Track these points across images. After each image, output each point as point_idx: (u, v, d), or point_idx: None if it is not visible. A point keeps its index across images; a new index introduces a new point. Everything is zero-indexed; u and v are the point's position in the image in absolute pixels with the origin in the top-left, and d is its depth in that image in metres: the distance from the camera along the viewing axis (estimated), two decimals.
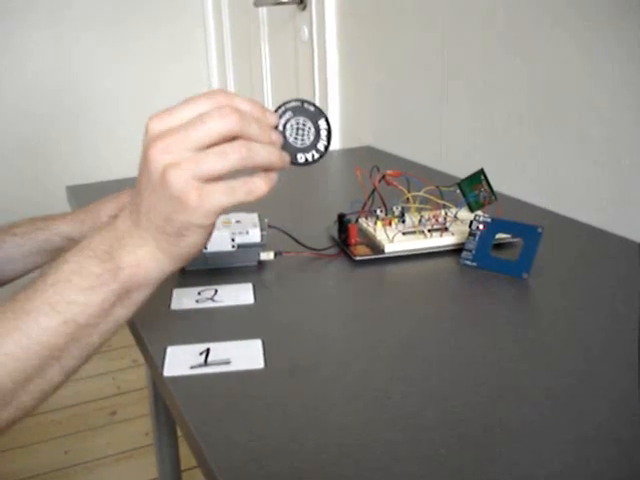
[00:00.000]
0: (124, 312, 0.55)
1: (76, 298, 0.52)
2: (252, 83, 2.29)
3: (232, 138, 0.51)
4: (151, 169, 0.50)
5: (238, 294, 0.79)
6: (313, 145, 0.56)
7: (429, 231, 0.89)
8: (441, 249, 0.88)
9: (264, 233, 0.84)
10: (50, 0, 2.28)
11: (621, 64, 0.93)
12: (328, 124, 0.56)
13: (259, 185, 0.52)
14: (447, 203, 0.93)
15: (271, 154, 0.52)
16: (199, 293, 0.79)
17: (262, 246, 0.85)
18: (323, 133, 0.56)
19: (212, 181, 0.50)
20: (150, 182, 0.50)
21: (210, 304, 0.77)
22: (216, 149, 0.50)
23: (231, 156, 0.50)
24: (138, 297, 0.55)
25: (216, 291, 0.79)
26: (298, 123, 0.55)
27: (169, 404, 0.63)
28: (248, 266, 0.85)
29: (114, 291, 0.53)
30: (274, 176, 0.53)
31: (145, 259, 0.54)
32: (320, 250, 0.88)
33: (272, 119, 0.54)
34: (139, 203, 0.52)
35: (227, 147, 0.50)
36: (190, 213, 0.50)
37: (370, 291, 0.80)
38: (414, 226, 0.90)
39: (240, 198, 0.51)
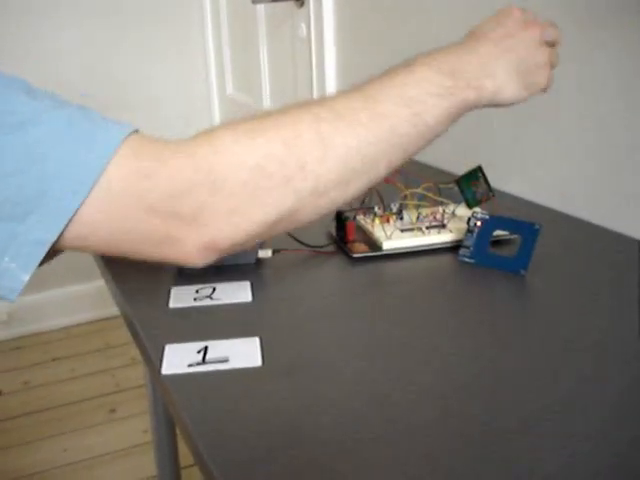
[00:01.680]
0: (448, 125, 0.65)
1: (427, 99, 0.62)
2: (250, 80, 2.28)
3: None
4: (531, 38, 0.69)
5: (236, 292, 0.79)
6: None
7: (427, 228, 0.89)
8: (439, 246, 0.88)
9: None
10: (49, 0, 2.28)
11: (621, 62, 0.93)
12: None
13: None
14: (445, 200, 0.93)
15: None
16: (197, 291, 0.79)
17: (260, 244, 0.85)
18: None
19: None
20: (530, 47, 0.68)
21: (208, 302, 0.77)
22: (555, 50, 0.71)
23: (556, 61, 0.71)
24: (461, 115, 0.66)
25: (214, 289, 0.79)
26: None
27: (167, 402, 0.63)
28: (246, 264, 0.85)
29: (457, 103, 0.64)
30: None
31: (488, 87, 0.66)
32: (318, 247, 0.88)
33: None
34: (509, 47, 0.67)
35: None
36: (542, 78, 0.69)
37: (368, 288, 0.80)
38: (412, 223, 0.90)
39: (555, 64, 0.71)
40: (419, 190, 0.92)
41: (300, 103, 0.60)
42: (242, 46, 2.30)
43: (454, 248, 0.86)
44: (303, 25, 1.82)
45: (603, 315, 0.71)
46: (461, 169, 0.95)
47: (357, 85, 0.62)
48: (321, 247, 0.88)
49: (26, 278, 0.54)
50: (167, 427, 1.39)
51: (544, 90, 0.71)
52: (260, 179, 0.55)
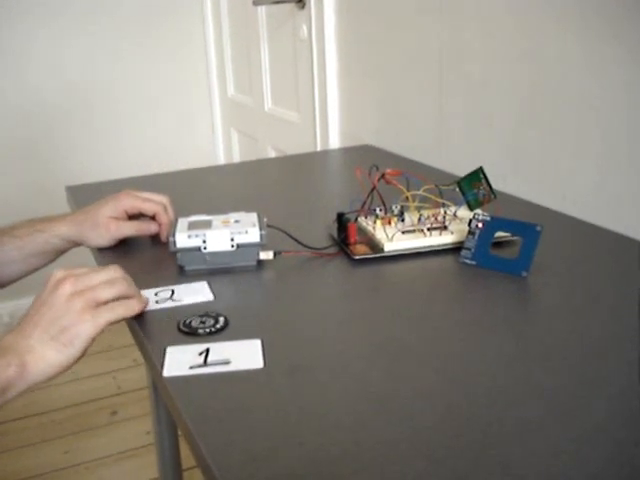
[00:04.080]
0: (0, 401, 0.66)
1: None
2: (251, 81, 2.29)
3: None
4: (59, 293, 0.69)
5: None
6: None
7: (428, 230, 0.89)
8: (440, 248, 0.88)
9: (263, 232, 0.84)
10: (49, 0, 2.28)
11: (621, 63, 0.93)
12: None
13: (133, 304, 0.72)
14: (446, 202, 0.93)
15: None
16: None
17: (261, 246, 0.85)
18: None
19: (101, 304, 0.70)
20: (55, 303, 0.68)
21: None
22: (106, 283, 0.71)
23: (115, 289, 0.71)
24: (11, 394, 0.67)
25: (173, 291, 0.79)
26: None
27: (169, 404, 0.63)
28: (247, 266, 0.85)
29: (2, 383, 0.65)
30: (146, 300, 0.75)
31: (30, 363, 0.67)
32: (319, 249, 0.88)
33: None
34: (38, 320, 0.68)
35: (115, 280, 0.72)
36: (81, 325, 0.68)
37: (369, 290, 0.80)
38: (413, 225, 0.90)
39: (120, 314, 0.70)
40: (421, 192, 0.92)
41: None
42: (243, 47, 2.30)
43: (455, 250, 0.86)
44: (304, 26, 1.82)
45: (604, 316, 0.71)
46: (462, 171, 0.95)
47: None
48: (323, 249, 0.88)
49: None
50: (169, 429, 1.39)
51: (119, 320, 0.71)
52: None
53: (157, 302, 0.77)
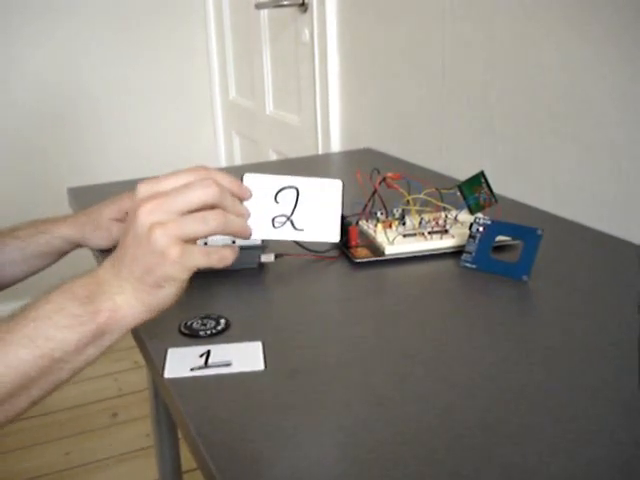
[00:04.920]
0: (95, 352, 0.60)
1: (55, 334, 0.57)
2: (253, 85, 2.29)
3: (210, 207, 0.58)
4: (139, 226, 0.57)
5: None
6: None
7: (429, 233, 0.90)
8: (441, 251, 0.88)
9: None
10: (55, 2, 2.29)
11: (621, 67, 0.93)
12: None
13: (228, 255, 0.60)
14: (447, 205, 0.93)
15: (241, 225, 0.61)
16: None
17: (263, 248, 0.85)
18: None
19: (190, 242, 0.58)
20: (136, 238, 0.57)
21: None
22: (197, 215, 0.57)
23: (210, 222, 0.57)
24: (110, 339, 0.60)
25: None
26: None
27: (170, 406, 0.63)
28: (249, 268, 0.85)
29: (91, 331, 0.58)
30: (237, 249, 0.61)
31: (122, 306, 0.59)
32: (320, 252, 0.88)
33: (245, 194, 0.61)
34: (123, 255, 0.58)
35: (208, 214, 0.57)
36: (169, 267, 0.57)
37: (370, 293, 0.80)
38: (414, 228, 0.91)
39: (212, 262, 0.59)
40: (422, 195, 0.92)
41: None
42: (245, 51, 2.30)
43: (456, 253, 0.86)
44: (306, 30, 1.82)
45: (605, 320, 0.71)
46: (463, 174, 0.96)
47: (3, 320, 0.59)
48: (324, 252, 0.89)
49: None
50: (169, 431, 1.39)
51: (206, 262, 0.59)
52: None
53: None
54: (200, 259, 0.58)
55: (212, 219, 0.57)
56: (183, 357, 0.66)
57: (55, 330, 0.57)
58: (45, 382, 0.58)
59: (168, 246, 0.56)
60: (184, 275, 0.58)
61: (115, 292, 0.59)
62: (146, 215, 0.56)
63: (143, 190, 0.58)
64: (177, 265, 0.57)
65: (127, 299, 0.59)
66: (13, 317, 0.58)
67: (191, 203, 0.57)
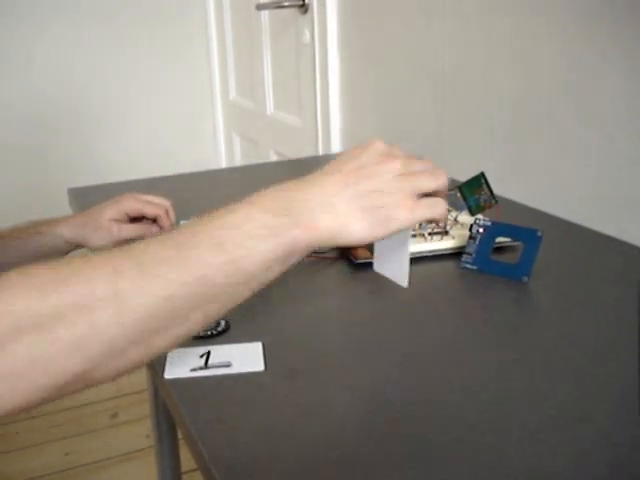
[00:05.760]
0: (279, 269, 0.57)
1: (244, 242, 0.54)
2: (253, 85, 2.29)
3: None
4: (388, 170, 0.59)
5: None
6: None
7: (429, 234, 0.90)
8: (441, 252, 0.88)
9: None
10: (55, 2, 2.29)
11: (621, 66, 0.93)
12: None
13: (445, 209, 0.62)
14: (447, 207, 0.93)
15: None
16: None
17: None
18: None
19: (422, 197, 0.60)
20: (379, 175, 0.59)
21: None
22: (430, 172, 0.61)
23: (440, 179, 0.61)
24: (298, 257, 0.57)
25: None
26: None
27: (170, 406, 0.63)
28: None
29: (283, 245, 0.55)
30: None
31: (325, 225, 0.56)
32: (320, 253, 0.88)
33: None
34: (349, 181, 0.58)
35: (438, 171, 0.62)
36: (402, 211, 0.59)
37: (370, 294, 0.80)
38: (414, 229, 0.91)
39: (435, 215, 0.61)
40: None
41: (104, 254, 0.53)
42: (246, 51, 2.30)
43: (456, 255, 0.86)
44: (307, 31, 1.82)
45: (605, 322, 0.71)
46: (464, 175, 0.96)
47: (179, 227, 0.56)
48: (324, 252, 0.89)
49: None
50: (169, 432, 1.39)
51: (431, 221, 0.63)
52: (44, 342, 0.48)
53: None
54: (426, 212, 0.60)
55: (441, 175, 0.62)
56: (183, 358, 0.66)
57: (245, 239, 0.54)
58: (225, 294, 0.54)
59: (409, 195, 0.59)
60: (409, 223, 0.60)
61: (322, 211, 0.57)
62: (395, 164, 0.60)
63: (381, 144, 0.62)
64: (409, 213, 0.59)
65: (337, 222, 0.57)
66: (192, 224, 0.55)
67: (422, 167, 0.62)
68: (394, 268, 0.68)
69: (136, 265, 0.52)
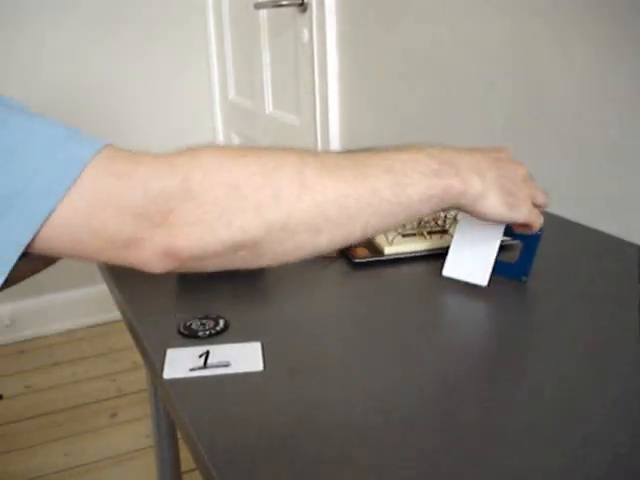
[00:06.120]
0: (431, 208, 0.65)
1: (410, 173, 0.62)
2: (252, 85, 2.29)
3: None
4: (519, 170, 0.72)
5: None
6: None
7: (429, 233, 0.90)
8: (440, 251, 0.88)
9: None
10: (55, 3, 2.29)
11: (621, 66, 0.93)
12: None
13: (541, 223, 0.75)
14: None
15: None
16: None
17: None
18: None
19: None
20: (513, 172, 0.71)
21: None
22: (542, 191, 0.75)
23: (546, 199, 0.75)
24: (446, 205, 0.66)
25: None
26: None
27: (169, 407, 0.63)
28: (247, 269, 0.85)
29: (441, 187, 0.64)
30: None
31: (476, 186, 0.66)
32: None
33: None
34: (491, 164, 0.69)
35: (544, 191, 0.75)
36: (524, 206, 0.70)
37: (369, 293, 0.80)
38: (413, 228, 0.91)
39: (538, 225, 0.74)
40: None
41: (290, 148, 0.61)
42: (244, 51, 2.30)
43: None
44: (305, 30, 1.82)
45: (604, 320, 0.71)
46: None
47: (347, 153, 0.63)
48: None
49: (0, 281, 0.54)
50: (168, 431, 1.39)
51: (527, 226, 0.73)
52: (233, 199, 0.56)
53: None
54: (537, 218, 0.73)
55: (547, 196, 0.75)
56: (182, 358, 0.66)
57: (411, 171, 0.62)
58: (387, 212, 0.62)
59: (530, 198, 0.71)
60: (525, 220, 0.71)
61: (477, 174, 0.66)
62: (524, 170, 0.72)
63: (508, 153, 0.74)
64: (528, 212, 0.71)
65: (483, 185, 0.66)
66: (362, 153, 0.63)
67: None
68: (473, 267, 0.77)
69: (319, 161, 0.60)
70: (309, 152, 0.61)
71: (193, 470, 1.65)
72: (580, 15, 0.98)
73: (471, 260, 0.77)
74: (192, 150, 0.58)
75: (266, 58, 2.16)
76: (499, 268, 0.81)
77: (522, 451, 0.51)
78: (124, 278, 0.85)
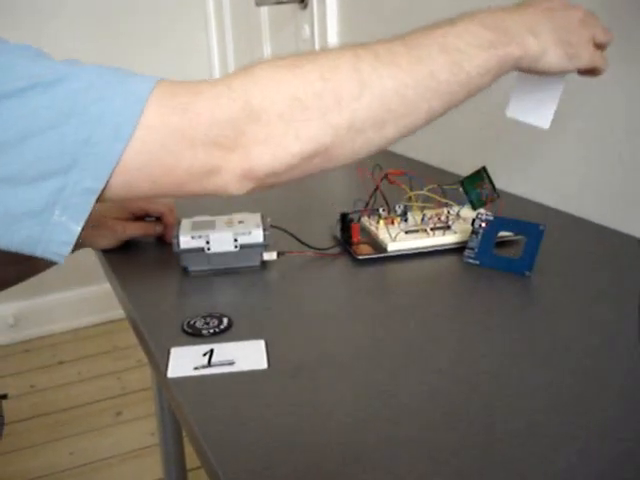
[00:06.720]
0: (490, 79, 0.65)
1: (466, 49, 0.62)
2: None
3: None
4: (575, 13, 0.68)
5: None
6: None
7: (432, 229, 0.89)
8: (444, 247, 0.88)
9: (267, 233, 0.85)
10: (53, 4, 2.29)
11: (622, 61, 0.93)
12: None
13: (607, 65, 0.72)
14: (449, 201, 0.93)
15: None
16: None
17: (265, 246, 0.85)
18: None
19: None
20: (571, 21, 0.67)
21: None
22: (604, 29, 0.71)
23: (609, 35, 0.71)
24: (505, 71, 0.65)
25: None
26: None
27: (173, 405, 0.63)
28: (251, 266, 0.85)
29: (498, 57, 0.63)
30: None
31: (532, 47, 0.65)
32: (323, 249, 0.88)
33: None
34: (548, 16, 0.67)
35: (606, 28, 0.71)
36: (585, 51, 0.68)
37: (373, 290, 0.80)
38: (416, 225, 0.90)
39: (603, 67, 0.71)
40: (424, 192, 0.92)
41: (342, 45, 0.63)
42: (246, 48, 2.30)
43: (459, 249, 0.86)
44: (306, 26, 1.82)
45: (607, 315, 0.71)
46: (465, 170, 0.95)
47: (399, 35, 0.63)
48: (326, 249, 0.88)
49: (78, 229, 0.56)
50: (173, 430, 1.39)
51: (593, 71, 0.71)
52: (296, 111, 0.57)
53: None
54: (601, 61, 0.71)
55: (610, 32, 0.71)
56: (186, 356, 0.66)
57: (466, 46, 0.62)
58: (447, 93, 0.63)
59: (590, 40, 0.69)
60: (589, 64, 0.69)
61: (532, 34, 0.65)
62: (579, 12, 0.69)
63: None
64: (590, 55, 0.69)
65: (540, 44, 0.65)
66: (413, 32, 0.63)
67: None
68: (536, 110, 0.76)
69: (373, 54, 0.60)
70: (362, 45, 0.61)
71: (198, 468, 1.66)
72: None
73: (535, 102, 0.76)
74: (247, 69, 0.59)
75: (267, 55, 2.15)
76: (502, 263, 0.81)
77: (526, 448, 0.51)
78: (128, 277, 0.85)
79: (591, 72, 0.72)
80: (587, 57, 0.69)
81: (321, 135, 0.58)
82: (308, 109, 0.57)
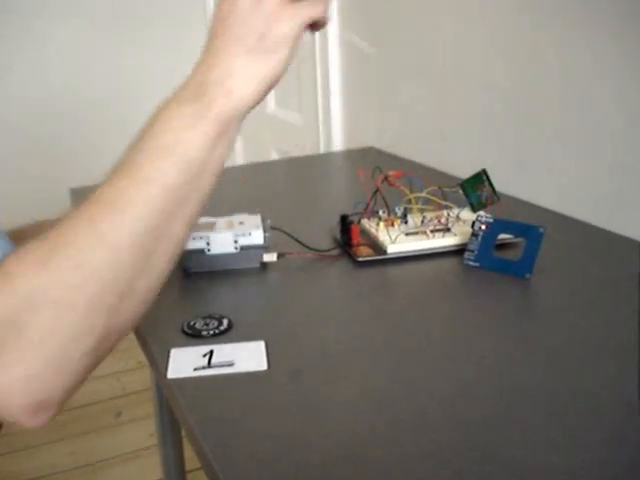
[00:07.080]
0: (223, 150, 0.58)
1: (179, 138, 0.55)
2: None
3: None
4: (249, 2, 0.58)
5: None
6: None
7: (431, 232, 0.89)
8: (443, 250, 0.88)
9: (267, 235, 0.85)
10: (58, 4, 2.29)
11: (622, 62, 0.93)
12: None
13: (326, 4, 0.60)
14: (449, 204, 0.93)
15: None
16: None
17: (265, 248, 0.85)
18: None
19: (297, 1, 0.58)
20: (245, 7, 0.58)
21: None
22: None
23: None
24: (234, 129, 0.58)
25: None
26: None
27: (173, 406, 0.63)
28: (251, 268, 0.85)
29: (211, 123, 0.56)
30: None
31: (236, 87, 0.57)
32: (323, 251, 0.88)
33: None
34: (229, 30, 0.60)
35: None
36: (282, 25, 0.57)
37: (373, 292, 0.80)
38: (416, 227, 0.91)
39: (319, 12, 0.59)
40: (424, 194, 0.92)
41: (78, 208, 0.58)
42: None
43: (459, 252, 0.86)
44: None
45: (607, 318, 0.71)
46: (466, 173, 0.96)
47: (129, 146, 0.57)
48: (326, 251, 0.88)
49: None
50: (173, 431, 1.39)
51: (315, 25, 0.61)
52: (62, 310, 0.51)
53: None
54: (307, 11, 0.59)
55: None
56: (186, 357, 0.66)
57: (177, 135, 0.55)
58: (192, 192, 0.55)
59: (277, 5, 0.57)
60: (297, 30, 0.58)
61: (224, 76, 0.58)
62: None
63: None
64: (289, 22, 0.58)
65: (240, 78, 0.57)
66: (136, 141, 0.57)
67: None
68: None
69: (105, 206, 0.57)
70: (93, 201, 0.59)
71: (198, 469, 1.65)
72: (580, 13, 0.98)
73: None
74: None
75: None
76: (502, 265, 0.81)
77: (526, 450, 0.51)
78: None
79: (316, 25, 0.62)
80: (287, 28, 0.58)
81: (94, 321, 0.52)
82: (73, 307, 0.51)
